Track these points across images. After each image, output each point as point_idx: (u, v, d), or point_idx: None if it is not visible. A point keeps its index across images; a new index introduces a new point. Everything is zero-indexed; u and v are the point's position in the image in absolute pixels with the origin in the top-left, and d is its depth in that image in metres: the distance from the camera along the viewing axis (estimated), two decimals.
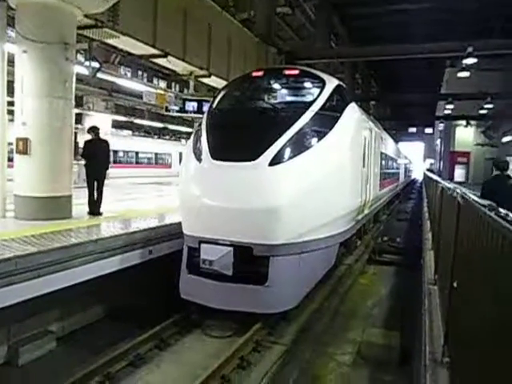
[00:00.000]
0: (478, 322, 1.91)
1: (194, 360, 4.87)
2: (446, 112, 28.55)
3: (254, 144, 5.62)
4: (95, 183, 7.80)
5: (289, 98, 6.98)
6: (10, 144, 7.14)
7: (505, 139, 25.77)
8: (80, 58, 9.55)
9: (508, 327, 1.48)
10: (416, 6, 16.90)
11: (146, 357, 4.86)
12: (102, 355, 4.70)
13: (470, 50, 12.29)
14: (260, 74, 7.21)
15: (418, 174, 52.31)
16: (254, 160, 5.40)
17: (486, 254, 1.94)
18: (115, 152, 23.80)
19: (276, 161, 5.40)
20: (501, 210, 1.96)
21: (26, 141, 6.74)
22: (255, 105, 6.64)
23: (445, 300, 3.21)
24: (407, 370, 4.86)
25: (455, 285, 2.53)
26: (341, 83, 7.28)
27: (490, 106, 23.72)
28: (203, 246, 5.53)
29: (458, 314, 2.48)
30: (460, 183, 18.27)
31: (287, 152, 5.51)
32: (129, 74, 22.50)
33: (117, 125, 25.13)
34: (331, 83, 6.77)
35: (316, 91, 6.52)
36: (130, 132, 29.91)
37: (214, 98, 7.17)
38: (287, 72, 7.05)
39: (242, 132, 5.99)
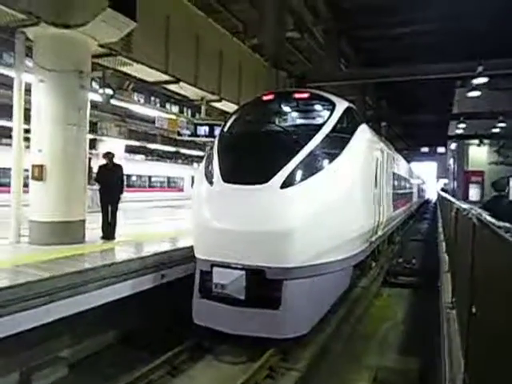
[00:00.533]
0: (500, 348, 1.84)
1: None
2: (458, 131, 28.43)
3: (266, 167, 5.63)
4: (109, 208, 7.87)
5: (299, 121, 7.02)
6: (26, 170, 7.28)
7: None
8: (94, 85, 9.79)
9: None
10: (424, 27, 17.06)
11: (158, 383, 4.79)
12: (113, 382, 4.63)
13: (480, 69, 12.29)
14: (270, 97, 7.29)
15: (431, 194, 51.77)
16: (265, 183, 5.41)
17: (503, 276, 1.89)
18: (128, 176, 24.09)
19: (287, 183, 5.40)
20: None
21: (41, 167, 6.87)
22: (266, 128, 6.68)
23: (463, 325, 3.11)
24: None
25: (474, 310, 2.45)
26: (351, 105, 7.32)
27: (502, 124, 23.56)
28: (215, 269, 5.49)
29: (477, 340, 2.39)
30: (475, 203, 18.00)
31: (299, 174, 5.51)
32: (142, 100, 22.96)
33: (130, 149, 25.52)
34: (341, 105, 6.80)
35: (326, 113, 6.55)
36: (143, 156, 30.32)
37: (225, 121, 7.24)
38: (297, 95, 7.11)
39: (253, 155, 6.02)
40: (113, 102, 11.36)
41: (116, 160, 8.43)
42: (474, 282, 2.64)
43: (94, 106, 13.66)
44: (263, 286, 5.35)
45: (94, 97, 9.47)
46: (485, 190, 28.78)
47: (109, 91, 9.32)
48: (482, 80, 13.06)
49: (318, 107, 7.00)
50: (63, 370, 5.27)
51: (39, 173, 6.85)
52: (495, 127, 24.93)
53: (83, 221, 7.33)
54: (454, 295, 4.63)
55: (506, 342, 1.76)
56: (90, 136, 12.94)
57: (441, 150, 54.69)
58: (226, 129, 6.92)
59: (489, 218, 2.35)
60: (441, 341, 3.67)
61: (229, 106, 12.34)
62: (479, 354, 2.32)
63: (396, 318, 7.72)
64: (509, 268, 1.73)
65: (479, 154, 30.58)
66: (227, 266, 5.42)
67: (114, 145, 18.32)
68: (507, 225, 1.98)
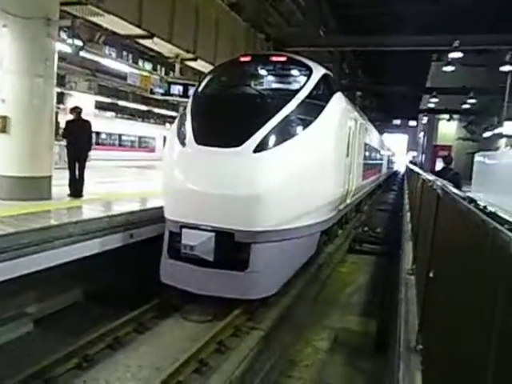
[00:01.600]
0: (451, 310, 1.96)
1: (172, 344, 4.89)
2: (430, 105, 28.89)
3: (239, 130, 5.60)
4: (76, 164, 7.66)
5: (275, 85, 6.94)
6: None
7: (486, 134, 26.22)
8: (63, 35, 9.28)
9: (476, 316, 1.52)
10: None
11: (124, 340, 4.86)
12: (79, 338, 4.67)
13: (456, 43, 12.39)
14: (247, 59, 7.14)
15: (400, 166, 52.96)
16: (238, 146, 5.39)
17: (461, 245, 1.99)
18: (97, 134, 23.38)
19: (260, 148, 5.40)
20: (479, 202, 2.00)
21: (4, 119, 6.57)
22: (241, 90, 6.58)
23: (421, 289, 3.28)
24: (382, 356, 4.97)
25: (431, 274, 2.58)
26: (328, 72, 7.27)
27: (472, 101, 24.06)
28: (185, 230, 5.51)
29: (432, 304, 2.53)
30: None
31: (272, 139, 5.50)
32: (113, 55, 22.00)
33: (100, 106, 24.66)
34: (318, 71, 6.75)
35: (303, 79, 6.50)
36: (113, 114, 29.40)
37: (200, 82, 7.09)
38: (274, 58, 7.00)
39: (226, 117, 5.95)
40: (82, 54, 10.83)
41: (84, 116, 8.15)
42: (434, 249, 2.77)
43: (63, 57, 13.00)
44: (231, 249, 5.44)
45: (62, 48, 8.97)
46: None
47: (78, 42, 8.86)
48: (458, 54, 13.19)
49: (294, 72, 6.92)
50: (28, 325, 5.26)
51: (2, 124, 6.55)
52: (465, 103, 25.44)
53: (50, 177, 7.13)
54: (414, 262, 4.85)
55: (457, 304, 1.87)
56: (58, 90, 12.38)
57: (412, 123, 55.70)
58: (200, 89, 6.77)
59: (453, 189, 2.45)
60: (398, 304, 3.87)
61: (204, 66, 12.01)
62: (432, 315, 2.47)
63: (358, 284, 8.04)
64: (467, 236, 1.82)
65: (448, 129, 31.32)
66: (196, 227, 5.45)
67: (83, 100, 17.60)
68: (471, 195, 2.07)
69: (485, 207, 1.87)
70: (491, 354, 1.29)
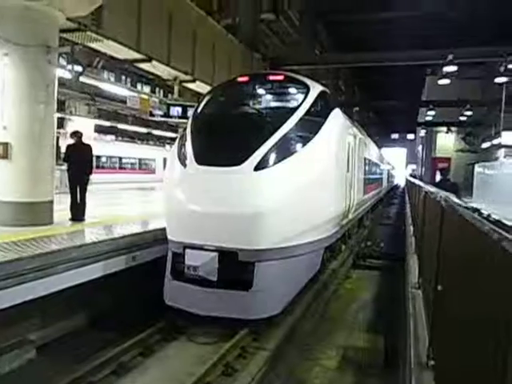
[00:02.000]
0: (463, 324, 1.93)
1: (179, 367, 4.81)
2: (428, 118, 29.12)
3: (239, 149, 5.62)
4: (78, 188, 7.67)
5: (274, 104, 7.01)
6: None
7: (484, 145, 26.35)
8: (62, 61, 9.41)
9: (491, 329, 1.50)
10: (398, 13, 17.21)
11: (130, 365, 4.78)
12: (84, 364, 4.60)
13: (450, 57, 12.56)
14: (245, 79, 7.23)
15: (400, 180, 53.04)
16: (238, 165, 5.40)
17: (469, 256, 1.97)
18: (98, 157, 23.50)
19: (261, 166, 5.41)
20: (483, 211, 1.99)
21: (6, 145, 6.60)
22: (240, 110, 6.64)
23: (429, 303, 3.24)
24: (392, 373, 4.88)
25: (439, 288, 2.55)
26: (325, 89, 7.35)
27: (469, 113, 24.28)
28: (188, 251, 5.49)
29: (442, 317, 2.50)
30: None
31: (272, 157, 5.53)
32: (112, 79, 22.27)
33: (100, 130, 24.84)
34: (315, 89, 6.82)
35: (300, 97, 6.56)
36: (113, 137, 29.58)
37: (199, 103, 7.16)
38: (272, 77, 7.08)
39: (226, 137, 5.99)
40: (82, 79, 10.97)
41: (85, 140, 8.20)
42: (441, 262, 2.74)
43: (62, 83, 13.16)
44: (235, 268, 5.40)
45: (61, 73, 9.10)
46: (451, 176, 29.75)
47: (78, 68, 8.97)
48: (452, 68, 13.37)
49: (292, 90, 7.00)
50: (31, 352, 5.17)
51: (4, 151, 6.58)
52: (462, 115, 25.66)
53: (51, 201, 7.12)
54: (420, 276, 4.81)
55: (469, 318, 1.85)
56: (58, 115, 12.50)
57: (410, 136, 56.02)
58: (199, 110, 6.84)
59: (456, 200, 2.44)
60: (407, 318, 3.82)
61: (202, 87, 12.14)
62: (443, 330, 2.43)
63: (364, 299, 7.95)
64: (474, 246, 1.81)
65: (447, 142, 31.50)
66: (200, 247, 5.42)
67: (83, 124, 17.75)
68: (474, 205, 2.06)
69: (489, 215, 1.86)
70: (508, 368, 1.27)
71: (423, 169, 38.67)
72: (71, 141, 7.89)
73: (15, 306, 4.61)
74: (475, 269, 1.80)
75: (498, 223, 1.63)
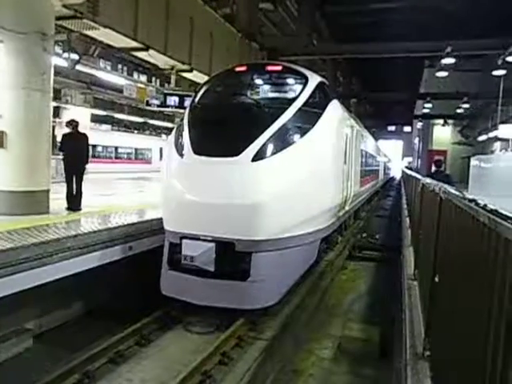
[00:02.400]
0: (460, 315, 1.94)
1: (175, 356, 4.83)
2: (425, 111, 29.11)
3: (237, 139, 5.59)
4: (74, 178, 7.64)
5: (272, 94, 6.96)
6: None
7: (480, 138, 26.42)
8: (58, 49, 9.30)
9: (489, 319, 1.51)
10: (396, 4, 17.10)
11: (126, 354, 4.79)
12: (80, 353, 4.61)
13: (448, 49, 12.52)
14: (243, 69, 7.17)
15: (396, 172, 53.15)
16: (236, 155, 5.38)
17: (467, 245, 1.98)
18: (94, 146, 23.40)
19: (259, 156, 5.39)
20: (479, 201, 2.00)
21: (1, 134, 6.56)
22: (238, 100, 6.59)
23: (425, 294, 3.26)
24: (387, 364, 4.93)
25: (437, 279, 2.57)
26: (323, 80, 7.31)
27: (466, 105, 24.29)
28: (185, 241, 5.48)
29: (439, 308, 2.52)
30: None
31: (270, 148, 5.50)
32: (108, 68, 22.08)
33: (96, 119, 24.70)
34: (314, 79, 6.78)
35: (299, 87, 6.52)
36: (109, 127, 29.44)
37: (197, 92, 7.10)
38: (270, 68, 7.03)
39: (224, 127, 5.95)
40: (78, 68, 10.87)
41: (81, 129, 8.15)
42: (438, 253, 2.76)
43: (58, 71, 13.05)
44: (232, 258, 5.41)
45: (57, 62, 9.00)
46: (446, 169, 29.88)
47: (74, 56, 8.88)
48: (450, 60, 13.32)
49: (290, 81, 6.95)
50: (28, 341, 5.19)
51: (0, 139, 6.54)
52: (459, 108, 25.66)
53: (47, 191, 7.09)
54: (416, 267, 4.83)
55: (466, 308, 1.86)
56: (54, 104, 12.39)
57: (407, 129, 56.03)
58: (197, 100, 6.79)
59: (455, 192, 2.44)
60: (402, 309, 3.85)
61: (199, 77, 12.07)
62: (440, 320, 2.45)
63: (360, 290, 8.01)
64: (474, 237, 1.82)
65: (443, 134, 31.56)
66: (197, 238, 5.42)
67: (79, 113, 17.63)
68: (471, 196, 2.07)
69: (485, 205, 1.87)
70: (502, 357, 1.28)
71: (419, 161, 38.76)
72: (67, 130, 7.83)
73: (11, 295, 4.60)
74: (472, 258, 1.81)
75: (494, 212, 1.64)
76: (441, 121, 30.58)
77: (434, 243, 2.88)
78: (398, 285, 5.75)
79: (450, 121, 30.35)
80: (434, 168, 10.16)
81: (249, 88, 6.94)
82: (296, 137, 5.84)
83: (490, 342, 1.44)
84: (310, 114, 6.23)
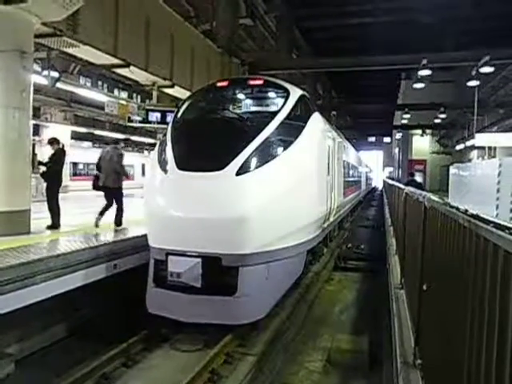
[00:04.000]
0: (450, 321, 1.96)
1: (163, 376, 4.73)
2: (403, 122, 29.69)
3: (221, 154, 5.60)
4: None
5: (254, 108, 7.02)
6: None
7: (458, 147, 27.03)
8: (37, 67, 9.21)
9: (478, 325, 1.52)
10: (374, 19, 17.54)
11: (112, 376, 4.67)
12: (64, 377, 4.47)
13: (424, 61, 12.86)
14: (224, 84, 7.22)
15: (378, 182, 53.84)
16: (220, 169, 5.38)
17: (452, 251, 2.01)
18: (75, 164, 23.08)
19: (243, 170, 5.39)
20: (466, 208, 2.05)
21: None
22: (220, 115, 6.62)
23: (413, 303, 3.28)
24: (377, 374, 4.92)
25: (424, 287, 2.59)
26: (304, 93, 7.41)
27: (443, 115, 24.88)
28: (170, 258, 5.42)
29: (428, 316, 2.53)
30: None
31: (254, 161, 5.52)
32: (88, 84, 21.94)
33: (77, 136, 24.41)
34: (295, 93, 6.86)
35: (280, 101, 6.60)
36: (90, 144, 29.12)
37: (179, 108, 7.11)
38: (252, 82, 7.10)
39: (207, 142, 5.96)
40: (58, 85, 10.76)
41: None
42: (425, 261, 2.79)
43: (37, 89, 12.91)
44: (219, 273, 5.36)
45: (37, 79, 8.91)
46: (426, 178, 30.44)
47: (54, 74, 8.80)
48: (426, 72, 13.68)
49: (272, 94, 7.03)
50: (10, 366, 5.01)
51: None
52: (437, 118, 26.27)
53: (28, 210, 6.94)
54: (402, 276, 4.87)
55: (455, 315, 1.87)
56: (33, 121, 12.24)
57: (387, 139, 56.95)
58: (179, 115, 6.79)
59: (438, 200, 2.49)
60: (391, 319, 3.86)
61: (181, 93, 12.08)
62: (429, 328, 2.46)
63: (347, 301, 8.01)
64: (457, 240, 1.85)
65: (422, 144, 32.23)
66: (182, 254, 5.36)
67: (59, 131, 17.41)
68: (458, 205, 2.11)
69: (466, 210, 1.93)
70: (494, 363, 1.29)
71: (400, 171, 39.39)
72: (49, 147, 7.74)
73: None
74: (459, 263, 1.84)
75: (475, 216, 1.69)
76: (419, 131, 31.23)
77: (421, 251, 2.91)
78: (385, 294, 5.77)
79: (428, 131, 31.03)
80: (408, 178, 11.97)
81: (231, 102, 6.99)
82: (279, 150, 5.87)
83: (481, 347, 1.45)
84: (293, 127, 6.29)
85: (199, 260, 5.29)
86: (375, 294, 7.96)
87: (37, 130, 17.63)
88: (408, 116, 27.19)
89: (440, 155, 31.17)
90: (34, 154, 10.89)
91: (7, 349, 5.18)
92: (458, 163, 19.86)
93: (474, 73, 14.35)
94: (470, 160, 25.77)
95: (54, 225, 7.45)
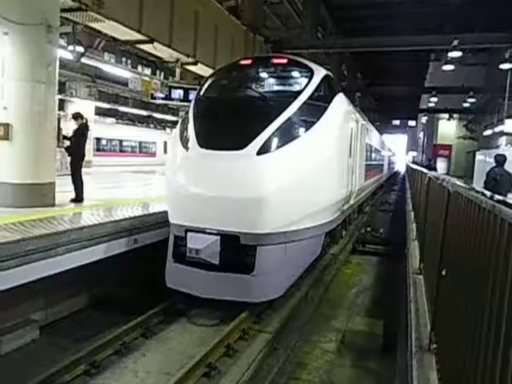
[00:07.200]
0: (468, 308, 1.94)
1: (180, 348, 4.87)
2: (430, 105, 28.88)
3: (242, 133, 5.58)
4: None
5: (277, 87, 6.93)
6: None
7: (486, 133, 26.21)
8: (62, 42, 9.28)
9: (498, 312, 1.51)
10: None
11: (131, 345, 4.83)
12: (86, 344, 4.65)
13: (455, 43, 12.40)
14: (248, 62, 7.14)
15: (400, 166, 52.93)
16: (241, 149, 5.37)
17: (474, 236, 1.98)
18: (98, 140, 23.41)
19: (264, 150, 5.37)
20: (487, 193, 2.00)
21: (6, 126, 6.56)
22: (243, 93, 6.57)
23: (431, 288, 3.25)
24: (390, 357, 4.94)
25: (444, 273, 2.56)
26: (329, 73, 7.26)
27: (472, 100, 24.08)
28: (190, 234, 5.49)
29: (446, 302, 2.51)
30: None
31: (275, 141, 5.48)
32: (112, 60, 22.04)
33: (100, 112, 24.70)
34: (319, 73, 6.74)
35: (304, 80, 6.49)
36: (113, 120, 29.44)
37: (202, 85, 7.07)
38: (275, 61, 6.99)
39: (229, 121, 5.94)
40: (82, 60, 10.85)
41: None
42: (445, 247, 2.75)
43: (63, 64, 13.05)
44: (237, 252, 5.41)
45: (62, 54, 8.99)
46: (451, 164, 29.75)
47: (79, 49, 8.85)
48: (457, 54, 13.20)
49: (296, 74, 6.92)
50: (34, 332, 5.23)
51: (5, 132, 6.55)
52: (465, 102, 25.45)
53: (53, 183, 7.12)
54: (421, 261, 4.83)
55: (475, 301, 1.86)
56: (59, 96, 12.41)
57: (412, 123, 55.62)
58: (202, 93, 6.76)
59: (463, 185, 2.44)
60: (408, 303, 3.84)
61: (204, 70, 12.03)
62: (447, 314, 2.45)
63: (364, 284, 8.01)
64: (480, 226, 1.81)
65: (448, 129, 31.35)
66: (202, 231, 5.43)
67: (84, 106, 17.63)
68: (483, 190, 2.06)
69: (492, 196, 1.87)
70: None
71: (424, 155, 38.58)
72: (73, 122, 7.86)
73: (18, 287, 4.63)
74: (481, 249, 1.80)
75: (501, 201, 1.65)
76: (446, 115, 30.36)
77: (442, 237, 2.87)
78: (403, 279, 5.74)
79: (455, 115, 30.14)
80: (425, 162, 12.84)
81: (254, 81, 6.91)
82: (301, 130, 5.81)
83: (500, 335, 1.44)
84: (316, 108, 6.20)
85: (218, 237, 5.35)
86: (392, 278, 7.93)
87: (62, 105, 17.91)
88: (435, 99, 26.42)
89: (466, 141, 30.30)
90: (59, 129, 11.07)
91: (32, 315, 5.40)
92: (485, 149, 19.32)
93: (507, 55, 13.77)
94: (497, 146, 24.98)
95: (78, 198, 7.63)
